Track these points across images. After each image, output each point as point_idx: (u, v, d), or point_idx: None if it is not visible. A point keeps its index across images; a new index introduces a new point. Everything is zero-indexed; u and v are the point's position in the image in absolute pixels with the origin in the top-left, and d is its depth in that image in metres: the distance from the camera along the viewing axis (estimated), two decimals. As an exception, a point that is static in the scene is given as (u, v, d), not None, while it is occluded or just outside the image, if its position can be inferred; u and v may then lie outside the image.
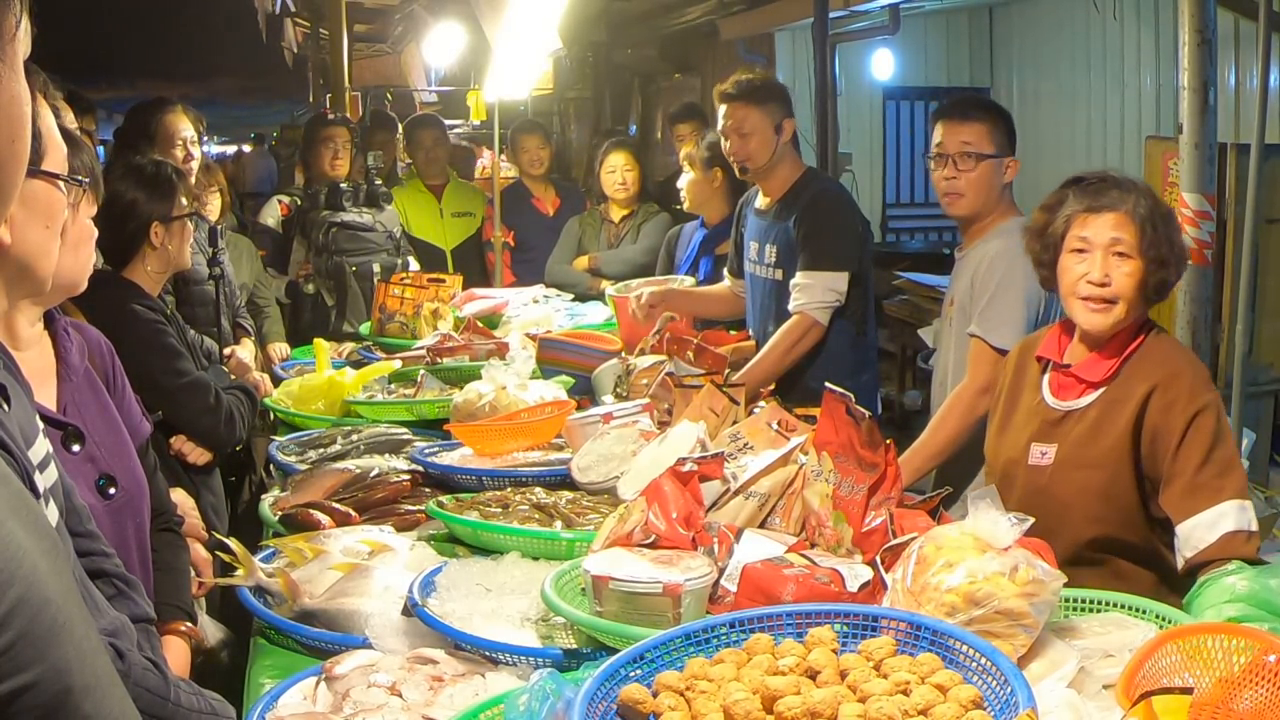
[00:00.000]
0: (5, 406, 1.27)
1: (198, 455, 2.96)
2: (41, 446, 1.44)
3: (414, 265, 5.30)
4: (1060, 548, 1.94)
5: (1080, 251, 2.30)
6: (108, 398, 2.03)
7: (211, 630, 2.35)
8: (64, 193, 1.49)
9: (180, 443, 2.94)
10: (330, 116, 6.30)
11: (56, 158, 1.51)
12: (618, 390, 3.44)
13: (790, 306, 3.61)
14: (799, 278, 3.60)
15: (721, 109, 3.76)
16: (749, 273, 3.93)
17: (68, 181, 1.51)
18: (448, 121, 7.31)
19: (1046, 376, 2.42)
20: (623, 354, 3.68)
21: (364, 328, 4.78)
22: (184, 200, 3.02)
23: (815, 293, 3.58)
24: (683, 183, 4.75)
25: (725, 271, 4.22)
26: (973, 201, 3.04)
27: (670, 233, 5.10)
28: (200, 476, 2.99)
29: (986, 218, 3.05)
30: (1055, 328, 2.48)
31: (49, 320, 1.97)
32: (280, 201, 5.58)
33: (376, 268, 5.05)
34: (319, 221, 5.06)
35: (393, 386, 3.71)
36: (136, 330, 2.81)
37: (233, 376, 3.45)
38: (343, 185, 5.19)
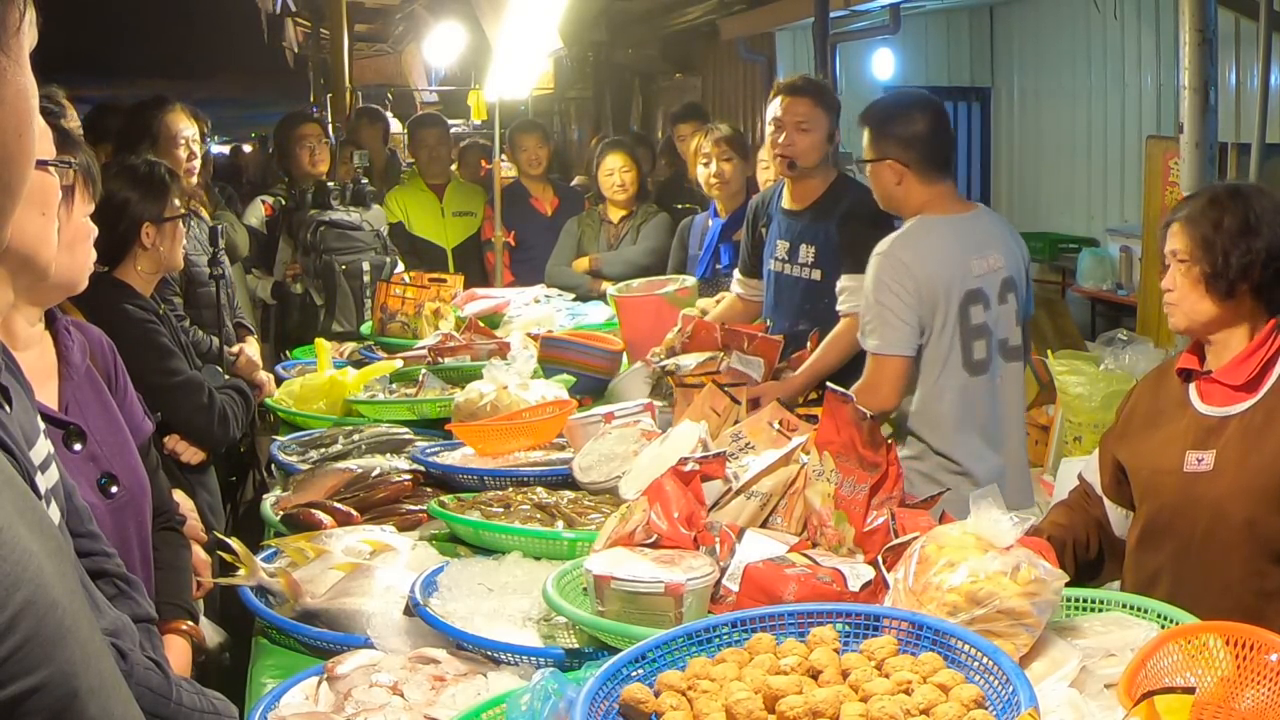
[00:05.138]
0: (7, 408, 1.27)
1: (191, 454, 2.96)
2: (43, 447, 1.44)
3: (399, 266, 5.28)
4: (1217, 550, 2.13)
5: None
6: (109, 397, 2.03)
7: (210, 634, 2.35)
8: (55, 177, 1.49)
9: (174, 442, 2.93)
10: (295, 114, 6.22)
11: (44, 143, 1.51)
12: (657, 394, 3.38)
13: (841, 309, 3.56)
14: (846, 280, 3.55)
15: (779, 100, 3.70)
16: (775, 271, 3.87)
17: (57, 166, 1.51)
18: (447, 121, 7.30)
19: (1192, 385, 2.32)
20: (649, 357, 3.64)
21: (365, 327, 4.78)
22: (176, 201, 3.00)
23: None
24: (708, 173, 4.58)
25: (736, 274, 4.14)
26: None
27: (682, 225, 5.06)
28: (195, 476, 2.98)
29: None
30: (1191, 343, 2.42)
31: (50, 319, 1.97)
32: (264, 202, 5.54)
33: (366, 266, 5.03)
34: (306, 221, 5.04)
35: (394, 386, 3.71)
36: (128, 330, 2.79)
37: (226, 376, 3.45)
38: (330, 184, 5.18)
